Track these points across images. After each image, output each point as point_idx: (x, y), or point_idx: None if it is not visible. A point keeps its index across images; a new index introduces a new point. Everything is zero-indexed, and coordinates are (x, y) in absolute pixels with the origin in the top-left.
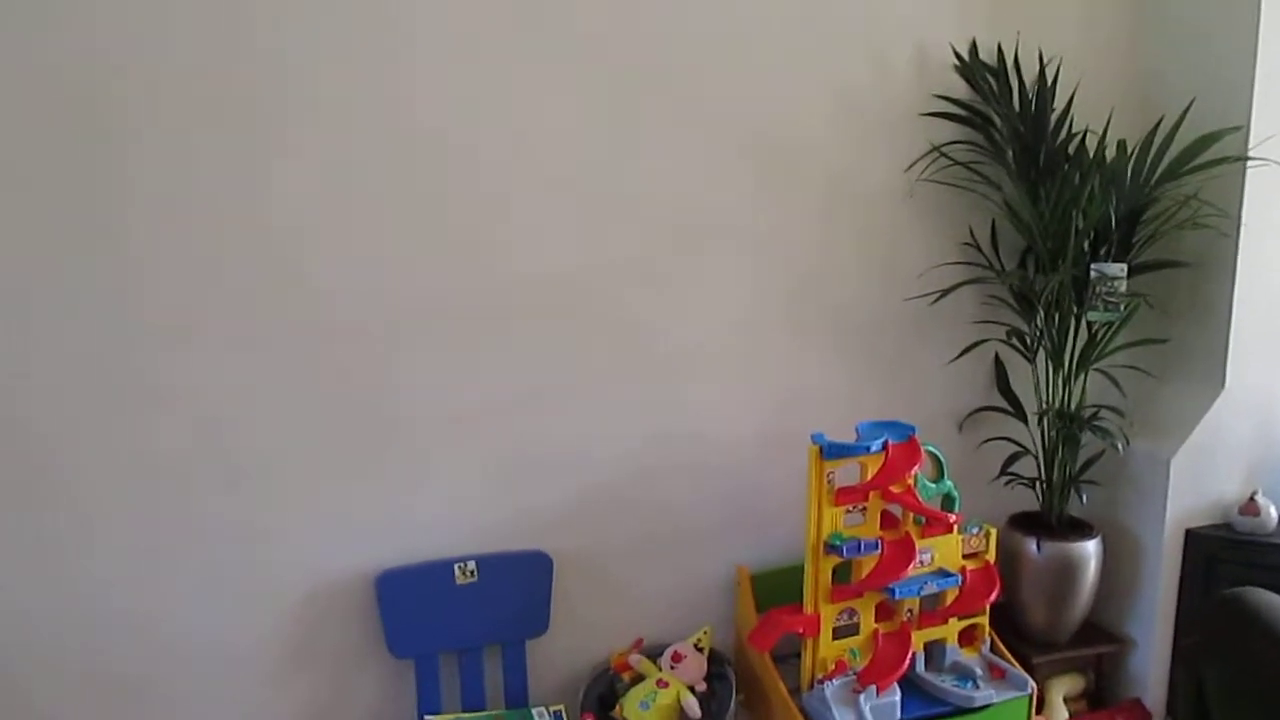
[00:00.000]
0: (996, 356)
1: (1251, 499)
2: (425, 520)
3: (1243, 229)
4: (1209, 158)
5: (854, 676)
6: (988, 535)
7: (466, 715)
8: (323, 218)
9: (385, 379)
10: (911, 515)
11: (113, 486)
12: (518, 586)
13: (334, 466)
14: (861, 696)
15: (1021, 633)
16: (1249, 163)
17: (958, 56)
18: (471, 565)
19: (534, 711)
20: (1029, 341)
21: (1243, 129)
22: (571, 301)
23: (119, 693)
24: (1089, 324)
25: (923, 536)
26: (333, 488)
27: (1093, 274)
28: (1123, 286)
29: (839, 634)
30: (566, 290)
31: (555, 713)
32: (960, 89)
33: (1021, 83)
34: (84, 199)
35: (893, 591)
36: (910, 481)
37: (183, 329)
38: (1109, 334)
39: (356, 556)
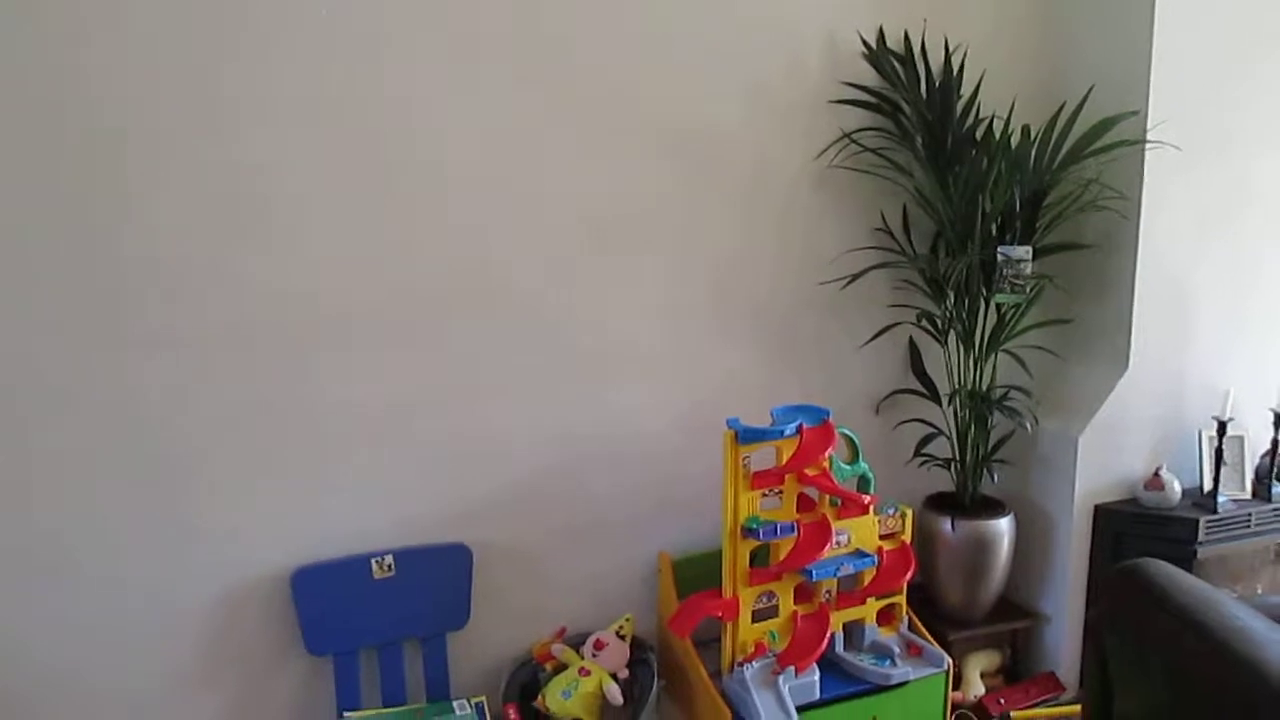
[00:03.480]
0: (911, 340)
1: (1156, 474)
2: (342, 515)
3: (1142, 210)
4: (1108, 141)
5: (773, 658)
6: (904, 516)
7: (386, 710)
8: (247, 214)
9: (304, 373)
10: (827, 497)
11: (23, 480)
12: (437, 580)
13: (250, 461)
14: (780, 678)
15: (939, 611)
16: (1146, 146)
17: (865, 44)
18: (389, 560)
19: (455, 704)
20: (940, 324)
21: (1140, 113)
22: (493, 294)
23: (27, 694)
24: (997, 306)
25: (839, 518)
26: (248, 483)
27: (999, 257)
28: (1028, 269)
29: (758, 617)
30: (488, 283)
31: (477, 704)
32: (869, 76)
33: (929, 70)
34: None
35: (810, 573)
36: (825, 464)
37: (103, 324)
38: (1017, 316)
39: (272, 553)
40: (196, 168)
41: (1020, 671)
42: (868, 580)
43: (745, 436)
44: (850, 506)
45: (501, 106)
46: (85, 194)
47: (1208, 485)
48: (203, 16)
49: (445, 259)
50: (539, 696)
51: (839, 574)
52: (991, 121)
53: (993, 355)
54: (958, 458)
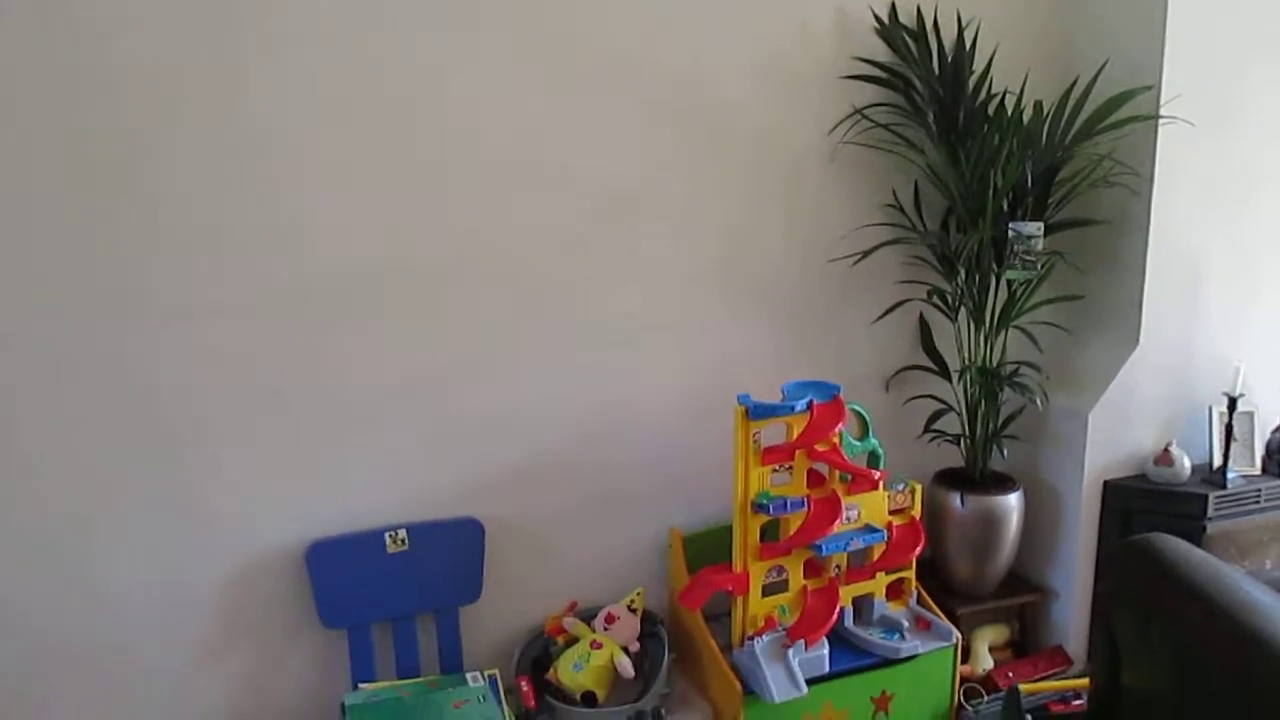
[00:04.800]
0: (921, 316)
1: (1166, 450)
2: (356, 489)
3: (1155, 187)
4: (1121, 116)
5: (783, 632)
6: (913, 491)
7: (400, 682)
8: (256, 184)
9: (317, 347)
10: (837, 473)
11: (32, 454)
12: (450, 554)
13: (263, 435)
14: (790, 651)
15: (947, 585)
16: (1160, 121)
17: (877, 19)
18: (402, 534)
19: (468, 676)
20: (950, 300)
21: (1153, 88)
22: (502, 269)
23: (39, 668)
24: (1008, 282)
25: (849, 493)
26: (262, 457)
27: (1010, 233)
28: (1039, 245)
29: (768, 591)
30: (497, 258)
31: (490, 677)
32: (881, 51)
33: (941, 45)
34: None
35: (820, 548)
36: (835, 440)
37: (117, 297)
38: (1027, 292)
39: (286, 527)
40: (206, 135)
41: (1029, 645)
42: (877, 555)
43: (756, 412)
44: (860, 482)
45: (503, 76)
46: (90, 160)
47: (1218, 461)
48: None
49: (452, 231)
50: (551, 669)
51: (849, 549)
52: (1004, 97)
53: (1003, 331)
54: (967, 433)
